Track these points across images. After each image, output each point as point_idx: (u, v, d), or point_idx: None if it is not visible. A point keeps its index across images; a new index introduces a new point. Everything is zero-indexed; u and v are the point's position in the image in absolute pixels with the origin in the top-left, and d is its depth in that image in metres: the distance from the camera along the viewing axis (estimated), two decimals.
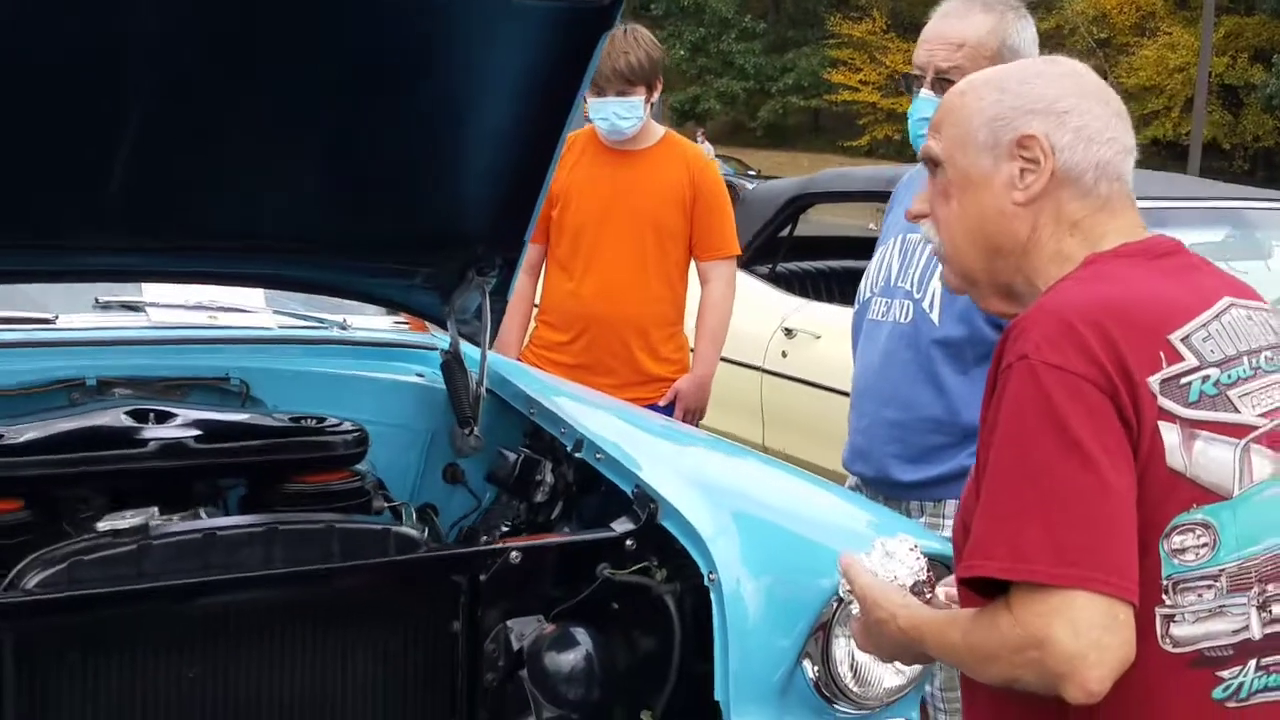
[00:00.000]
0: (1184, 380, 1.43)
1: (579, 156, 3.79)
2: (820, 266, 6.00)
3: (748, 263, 5.59)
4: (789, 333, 5.20)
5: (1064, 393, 1.39)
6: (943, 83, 2.49)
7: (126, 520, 1.97)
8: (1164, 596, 1.42)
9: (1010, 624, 1.37)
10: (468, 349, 2.79)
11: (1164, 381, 1.42)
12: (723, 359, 4.00)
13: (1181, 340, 1.45)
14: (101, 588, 1.90)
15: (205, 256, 2.59)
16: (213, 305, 2.89)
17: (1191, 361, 1.44)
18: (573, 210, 3.76)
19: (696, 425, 3.79)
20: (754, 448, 4.68)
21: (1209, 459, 1.42)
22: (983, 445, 1.49)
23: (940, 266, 1.69)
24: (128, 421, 2.29)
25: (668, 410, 3.77)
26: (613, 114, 3.68)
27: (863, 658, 2.08)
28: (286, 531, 2.05)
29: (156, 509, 2.03)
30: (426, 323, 3.01)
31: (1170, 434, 1.41)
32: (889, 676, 2.11)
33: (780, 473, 2.51)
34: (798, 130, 40.85)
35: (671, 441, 2.66)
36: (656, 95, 3.75)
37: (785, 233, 5.84)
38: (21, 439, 2.18)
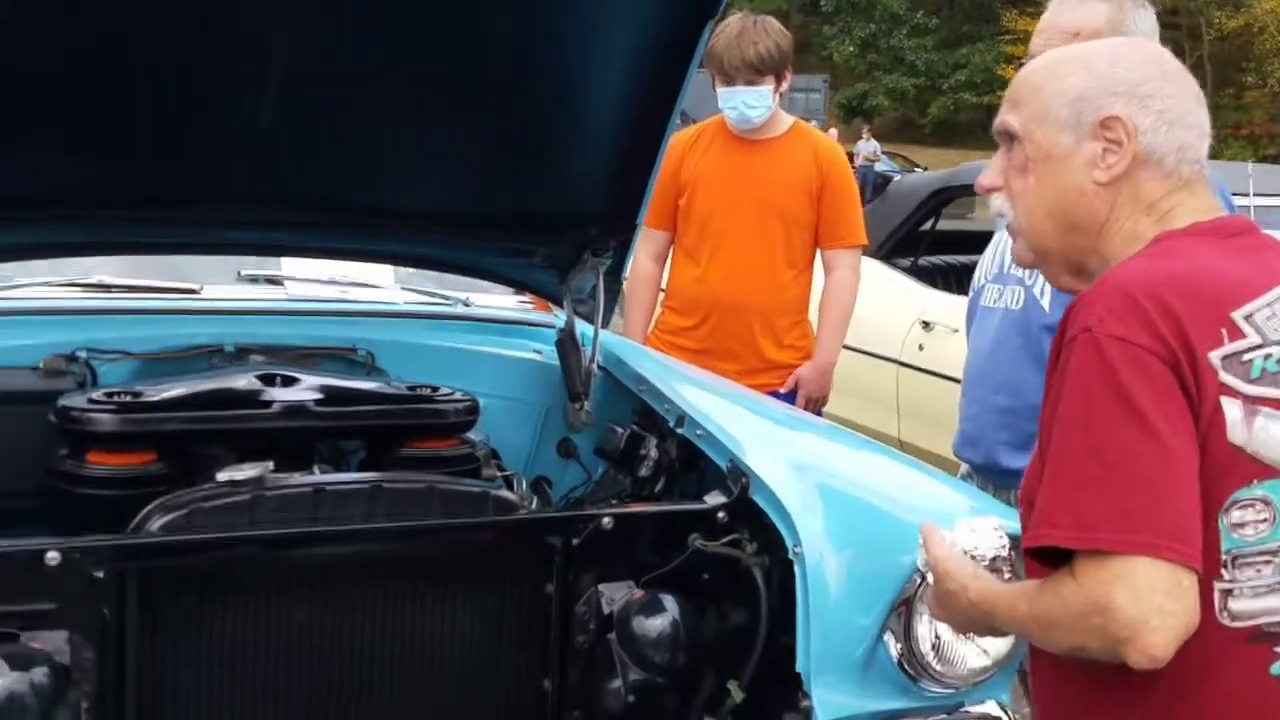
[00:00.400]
0: (1246, 357, 1.42)
1: (708, 145, 3.83)
2: (964, 260, 5.92)
3: (888, 255, 5.57)
4: (926, 325, 5.15)
5: (1127, 364, 1.40)
6: None
7: (244, 472, 2.11)
8: (1223, 571, 1.42)
9: (1074, 591, 1.39)
10: (584, 328, 2.87)
11: (1225, 358, 1.42)
12: (859, 351, 3.97)
13: (1244, 318, 1.44)
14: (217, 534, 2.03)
15: (339, 233, 2.74)
16: (345, 280, 3.04)
17: (1254, 339, 1.43)
18: (700, 198, 3.81)
19: (819, 413, 3.80)
20: (889, 441, 4.67)
21: (1270, 435, 1.42)
22: (1046, 417, 1.50)
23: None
24: (256, 385, 2.42)
25: (789, 397, 3.78)
26: (741, 103, 3.71)
27: (946, 635, 2.07)
28: (389, 489, 2.14)
29: (272, 463, 2.15)
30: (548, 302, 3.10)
31: (1232, 409, 1.41)
32: (973, 656, 2.10)
33: (878, 455, 2.52)
34: (969, 127, 39.94)
35: (773, 422, 2.69)
36: (786, 85, 3.77)
37: (928, 226, 5.79)
38: (157, 397, 2.33)
